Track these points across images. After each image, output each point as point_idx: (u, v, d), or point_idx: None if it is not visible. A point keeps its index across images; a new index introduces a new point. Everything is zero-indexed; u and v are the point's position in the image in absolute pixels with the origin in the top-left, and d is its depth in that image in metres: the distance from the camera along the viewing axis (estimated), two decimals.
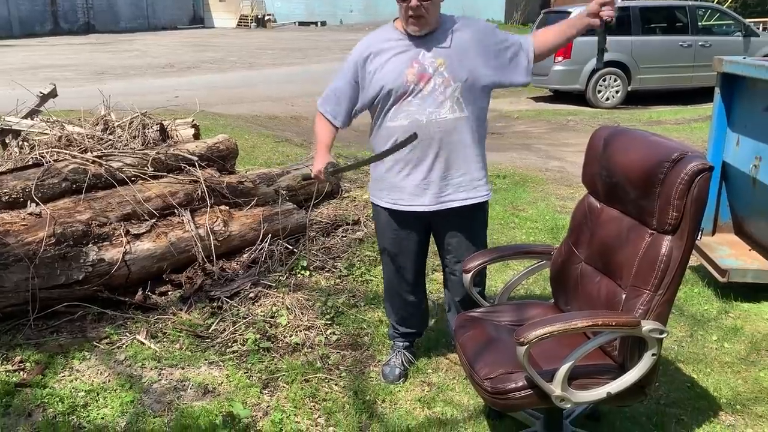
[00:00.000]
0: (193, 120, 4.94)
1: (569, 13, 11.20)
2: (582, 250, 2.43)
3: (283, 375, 2.91)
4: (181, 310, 3.39)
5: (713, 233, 4.10)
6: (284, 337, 3.24)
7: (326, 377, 2.92)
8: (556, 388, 2.01)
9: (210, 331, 3.24)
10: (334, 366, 3.03)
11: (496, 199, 5.51)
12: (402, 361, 2.99)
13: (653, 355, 2.05)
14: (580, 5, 12.59)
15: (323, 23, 36.79)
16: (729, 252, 3.87)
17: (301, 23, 37.08)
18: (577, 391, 2.06)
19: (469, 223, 2.76)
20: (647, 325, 2.01)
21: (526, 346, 1.94)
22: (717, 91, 3.94)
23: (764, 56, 10.27)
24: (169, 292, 3.56)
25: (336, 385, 2.89)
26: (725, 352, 3.17)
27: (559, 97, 12.02)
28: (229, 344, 3.14)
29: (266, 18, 37.75)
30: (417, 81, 2.56)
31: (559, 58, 11.04)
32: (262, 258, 3.93)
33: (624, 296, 2.16)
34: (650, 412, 2.68)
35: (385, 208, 2.78)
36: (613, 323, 2.00)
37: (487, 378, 2.11)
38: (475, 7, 32.63)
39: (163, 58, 18.57)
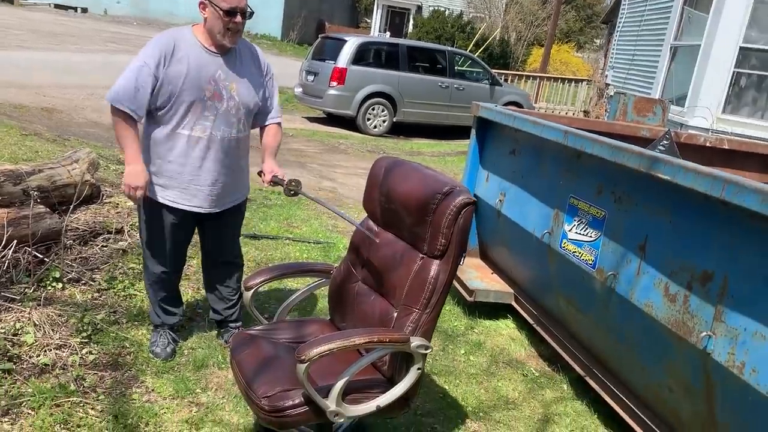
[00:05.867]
0: None
1: (345, 40, 11.76)
2: (359, 270, 2.56)
3: (29, 400, 2.58)
4: None
5: None
6: (30, 357, 2.87)
7: (81, 401, 2.66)
8: (331, 404, 2.08)
9: None
10: (90, 388, 2.77)
11: (270, 215, 5.54)
12: (170, 340, 3.19)
13: (418, 369, 2.24)
14: (354, 35, 13.29)
15: (84, 10, 33.69)
16: (475, 274, 4.36)
17: (58, 6, 33.53)
18: (350, 406, 2.15)
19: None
20: (415, 341, 2.19)
21: (306, 364, 1.98)
22: (473, 132, 4.44)
23: (505, 104, 11.82)
24: None
25: (93, 409, 2.64)
26: (471, 365, 3.56)
27: (332, 119, 12.48)
28: None
29: None
30: (212, 97, 2.79)
31: (334, 83, 11.48)
32: (5, 267, 3.45)
33: (395, 314, 2.33)
34: (408, 423, 2.90)
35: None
36: (387, 340, 2.14)
37: (265, 396, 2.11)
38: (251, 22, 32.46)
39: None
